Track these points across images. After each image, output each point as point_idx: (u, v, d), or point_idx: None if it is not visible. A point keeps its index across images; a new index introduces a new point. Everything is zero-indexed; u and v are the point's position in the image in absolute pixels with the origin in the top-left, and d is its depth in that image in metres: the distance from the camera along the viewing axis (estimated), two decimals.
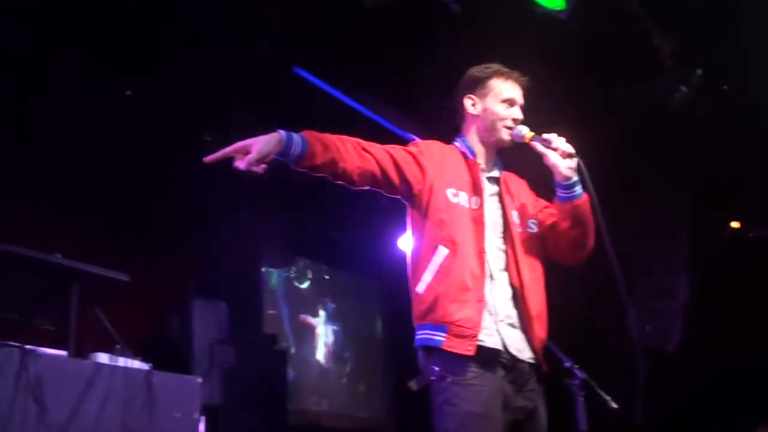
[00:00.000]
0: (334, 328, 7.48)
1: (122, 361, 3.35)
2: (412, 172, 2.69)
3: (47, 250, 3.31)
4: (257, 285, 6.66)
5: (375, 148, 2.66)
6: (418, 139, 2.88)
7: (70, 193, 5.16)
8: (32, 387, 2.92)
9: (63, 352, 3.20)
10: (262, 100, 5.14)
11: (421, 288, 2.65)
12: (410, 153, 2.73)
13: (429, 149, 2.78)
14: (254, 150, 2.40)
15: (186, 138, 5.28)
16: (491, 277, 2.68)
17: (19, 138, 4.89)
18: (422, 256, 2.67)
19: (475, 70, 2.89)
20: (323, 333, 7.37)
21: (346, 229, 6.95)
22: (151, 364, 3.42)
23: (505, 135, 2.80)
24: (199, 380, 3.67)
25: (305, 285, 7.35)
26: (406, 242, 2.97)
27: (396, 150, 2.71)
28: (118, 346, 3.37)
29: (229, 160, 2.42)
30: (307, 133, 2.52)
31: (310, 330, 7.27)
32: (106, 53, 4.62)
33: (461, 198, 2.72)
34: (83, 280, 3.33)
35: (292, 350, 6.87)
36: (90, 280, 3.37)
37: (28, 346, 3.00)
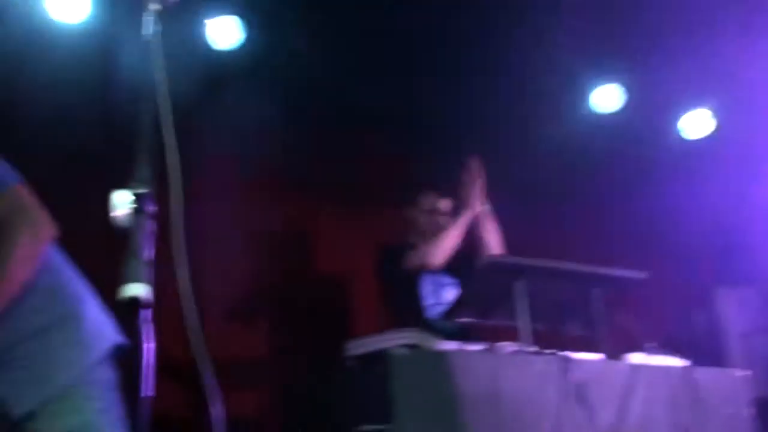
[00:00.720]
0: None
1: (658, 360, 3.31)
2: None
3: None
4: None
5: None
6: None
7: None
8: (575, 391, 2.99)
9: (598, 356, 3.23)
10: None
11: None
12: None
13: None
14: None
15: None
16: None
17: None
18: None
19: None
20: None
21: None
22: (689, 361, 3.36)
23: None
24: (744, 373, 3.46)
25: None
26: None
27: None
28: (650, 345, 3.33)
29: None
30: None
31: None
32: None
33: None
34: (604, 283, 3.35)
35: None
36: (610, 282, 3.38)
37: (564, 353, 3.10)
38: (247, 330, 4.29)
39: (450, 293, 3.81)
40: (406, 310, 3.80)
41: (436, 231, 3.86)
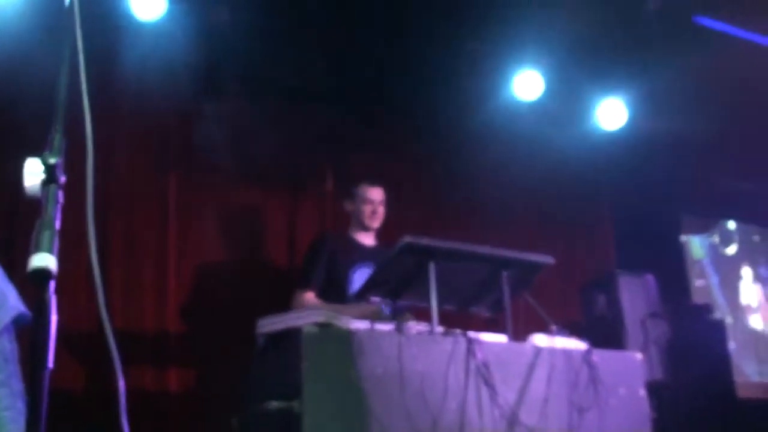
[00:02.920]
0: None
1: (559, 342, 3.37)
2: None
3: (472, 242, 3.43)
4: (679, 254, 6.36)
5: None
6: None
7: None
8: (479, 372, 3.05)
9: (502, 337, 3.30)
10: None
11: None
12: None
13: None
14: None
15: None
16: None
17: None
18: None
19: None
20: (755, 298, 6.79)
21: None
22: (588, 343, 3.41)
23: None
24: (640, 356, 3.57)
25: (731, 250, 6.82)
26: None
27: None
28: (553, 328, 3.39)
29: None
30: None
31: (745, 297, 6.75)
32: None
33: None
34: (513, 266, 3.40)
35: (728, 320, 6.39)
36: (519, 266, 3.43)
37: (471, 333, 3.17)
38: (156, 306, 4.22)
39: None
40: (327, 290, 3.92)
41: (369, 220, 4.08)
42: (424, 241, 3.18)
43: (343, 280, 3.98)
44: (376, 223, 4.16)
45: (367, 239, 4.18)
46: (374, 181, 4.17)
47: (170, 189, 4.38)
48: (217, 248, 4.48)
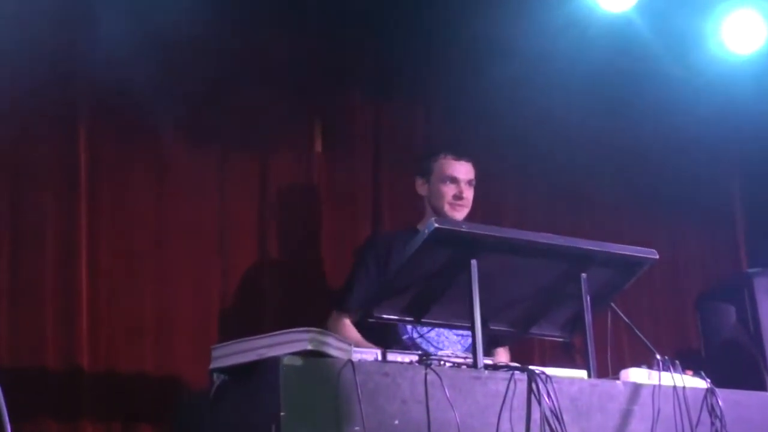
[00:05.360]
0: None
1: (667, 378, 3.26)
2: None
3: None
4: None
5: None
6: None
7: None
8: (550, 422, 2.93)
9: (581, 372, 3.23)
10: None
11: None
12: None
13: None
14: None
15: None
16: None
17: None
18: None
19: None
20: None
21: None
22: (709, 379, 3.37)
23: None
24: None
25: None
26: None
27: None
28: (657, 357, 3.29)
29: None
30: None
31: None
32: None
33: None
34: (598, 264, 3.25)
35: None
36: (607, 264, 3.30)
37: (536, 368, 3.07)
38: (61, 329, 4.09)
39: None
40: None
41: (451, 208, 3.94)
42: (463, 226, 3.06)
43: None
44: (461, 214, 3.98)
45: None
46: (460, 153, 4.02)
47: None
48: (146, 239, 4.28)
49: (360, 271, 3.96)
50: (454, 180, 3.97)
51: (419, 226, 3.92)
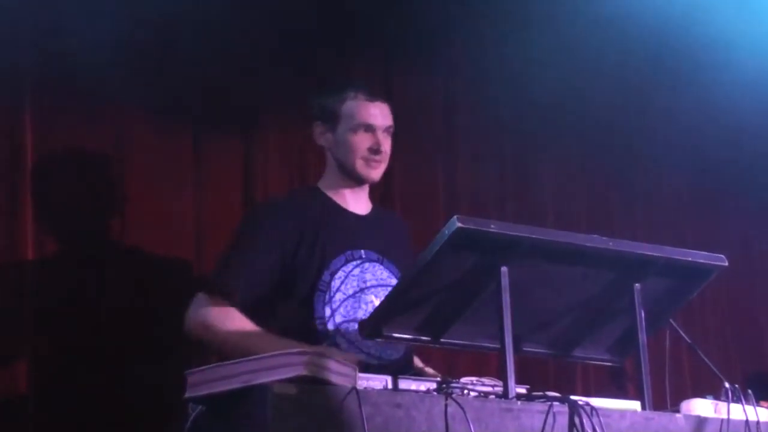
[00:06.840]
0: None
1: (737, 412, 3.23)
2: None
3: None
4: None
5: None
6: None
7: None
8: None
9: (634, 404, 3.22)
10: None
11: None
12: None
13: None
14: None
15: None
16: None
17: None
18: None
19: None
20: None
21: None
22: None
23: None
24: None
25: None
26: None
27: None
28: (726, 386, 3.26)
29: None
30: None
31: None
32: None
33: None
34: (655, 273, 3.24)
35: None
36: (666, 274, 3.28)
37: (579, 398, 3.03)
38: None
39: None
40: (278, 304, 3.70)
41: (365, 164, 3.74)
42: (492, 225, 2.98)
43: (312, 286, 3.66)
44: (378, 172, 3.77)
45: (359, 203, 3.87)
46: (374, 93, 3.79)
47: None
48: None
49: (252, 240, 3.68)
50: (369, 128, 3.71)
51: (319, 185, 3.82)
